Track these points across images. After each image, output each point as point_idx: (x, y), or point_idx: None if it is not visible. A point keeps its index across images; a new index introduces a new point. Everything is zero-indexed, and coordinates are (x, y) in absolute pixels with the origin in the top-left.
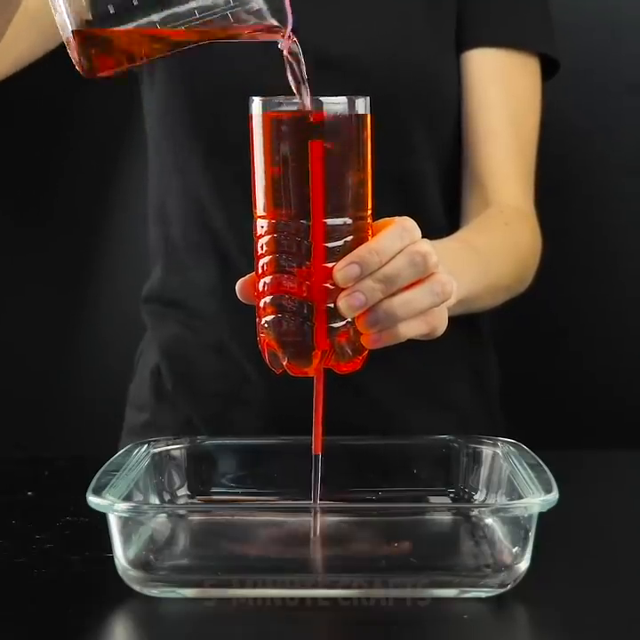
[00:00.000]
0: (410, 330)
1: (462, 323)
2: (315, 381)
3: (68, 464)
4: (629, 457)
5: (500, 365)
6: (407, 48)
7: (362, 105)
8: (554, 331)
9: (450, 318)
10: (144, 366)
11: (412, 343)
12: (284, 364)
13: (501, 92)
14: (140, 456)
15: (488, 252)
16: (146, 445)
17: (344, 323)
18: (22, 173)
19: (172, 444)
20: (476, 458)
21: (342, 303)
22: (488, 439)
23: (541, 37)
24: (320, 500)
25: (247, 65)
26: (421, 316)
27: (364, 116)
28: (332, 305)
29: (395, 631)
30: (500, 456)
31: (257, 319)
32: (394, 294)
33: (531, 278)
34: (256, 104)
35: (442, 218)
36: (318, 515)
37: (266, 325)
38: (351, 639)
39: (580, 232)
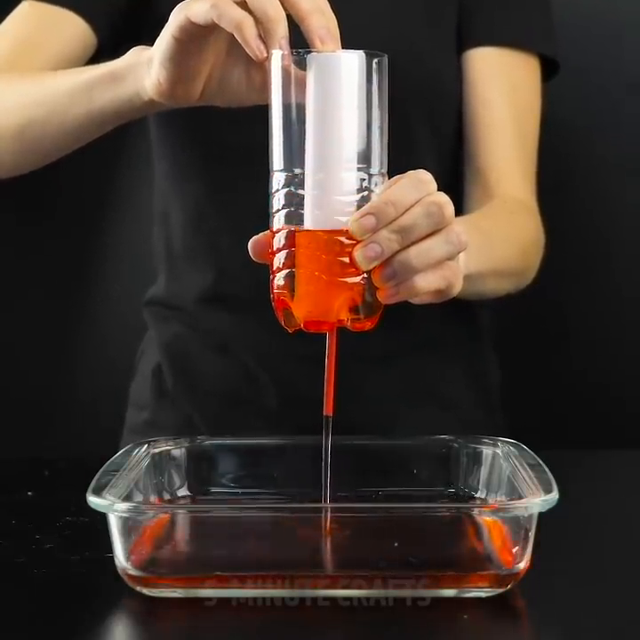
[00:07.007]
0: (426, 283)
1: (462, 322)
2: (328, 339)
3: (68, 464)
4: (629, 457)
5: (500, 365)
6: (407, 45)
7: (377, 62)
8: (554, 330)
9: (450, 317)
10: (145, 365)
11: (413, 343)
12: (301, 323)
13: (503, 90)
14: (139, 456)
15: (492, 235)
16: (146, 445)
17: (360, 278)
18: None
19: (172, 444)
20: (476, 458)
21: (358, 254)
22: (488, 439)
23: (542, 38)
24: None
25: None
26: (438, 269)
27: (381, 71)
28: (347, 259)
29: (395, 631)
30: (500, 456)
31: (271, 276)
32: (410, 246)
33: (534, 270)
34: (275, 55)
35: None
36: (320, 514)
37: (282, 281)
38: (351, 639)
39: (580, 231)
